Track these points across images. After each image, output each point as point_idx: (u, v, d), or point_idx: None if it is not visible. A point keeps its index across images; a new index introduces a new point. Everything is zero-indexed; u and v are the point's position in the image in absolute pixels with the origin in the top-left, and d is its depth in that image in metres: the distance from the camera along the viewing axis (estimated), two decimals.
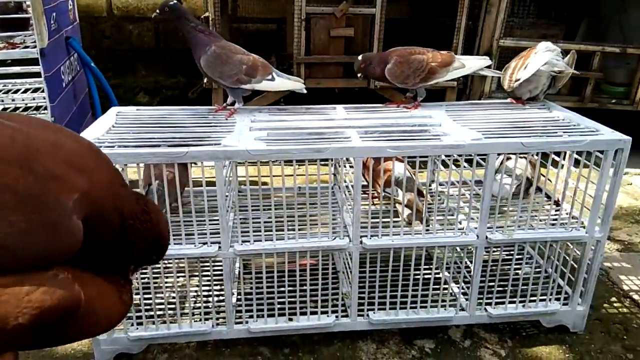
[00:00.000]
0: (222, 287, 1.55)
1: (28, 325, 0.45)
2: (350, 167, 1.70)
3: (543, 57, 1.79)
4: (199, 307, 1.61)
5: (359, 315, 1.62)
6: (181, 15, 1.62)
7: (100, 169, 0.55)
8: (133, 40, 4.03)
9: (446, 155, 1.87)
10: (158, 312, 1.57)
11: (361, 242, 1.52)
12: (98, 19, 3.88)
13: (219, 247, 1.48)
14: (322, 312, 1.61)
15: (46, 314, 0.45)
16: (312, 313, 1.61)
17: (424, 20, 4.04)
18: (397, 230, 1.54)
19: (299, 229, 1.52)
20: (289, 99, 3.16)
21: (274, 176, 1.60)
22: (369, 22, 3.08)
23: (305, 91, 1.85)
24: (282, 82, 1.78)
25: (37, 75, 2.07)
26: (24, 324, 0.45)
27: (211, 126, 1.60)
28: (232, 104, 1.77)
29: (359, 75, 1.80)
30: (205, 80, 3.06)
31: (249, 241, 1.50)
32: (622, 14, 3.86)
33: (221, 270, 1.57)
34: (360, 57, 1.77)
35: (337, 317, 1.61)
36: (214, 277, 1.70)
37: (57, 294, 0.46)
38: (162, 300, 1.57)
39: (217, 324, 1.59)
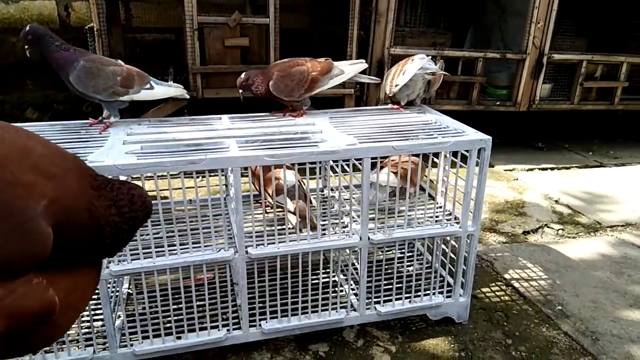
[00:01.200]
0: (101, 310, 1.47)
1: (3, 331, 0.43)
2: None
3: (418, 64, 1.89)
4: (78, 334, 1.51)
5: (251, 326, 1.61)
6: (43, 36, 1.52)
7: (70, 174, 0.53)
8: (18, 53, 3.76)
9: (334, 161, 1.92)
10: None
11: (247, 252, 1.51)
12: None
13: None
14: (213, 327, 1.57)
15: (19, 320, 0.44)
16: (202, 329, 1.57)
17: (323, 31, 4.14)
18: (284, 238, 1.55)
19: (183, 244, 1.48)
20: (192, 109, 3.10)
21: (151, 190, 1.55)
22: (265, 31, 3.09)
23: (187, 96, 1.86)
24: (162, 90, 1.75)
25: None
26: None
27: (81, 141, 1.52)
28: (108, 117, 1.69)
29: (240, 91, 1.80)
30: None
31: (125, 260, 1.44)
32: (503, 23, 4.19)
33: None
34: (243, 75, 1.77)
35: (228, 330, 1.59)
36: (94, 301, 1.61)
37: (30, 299, 0.44)
38: None
39: (104, 349, 1.51)
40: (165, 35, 3.93)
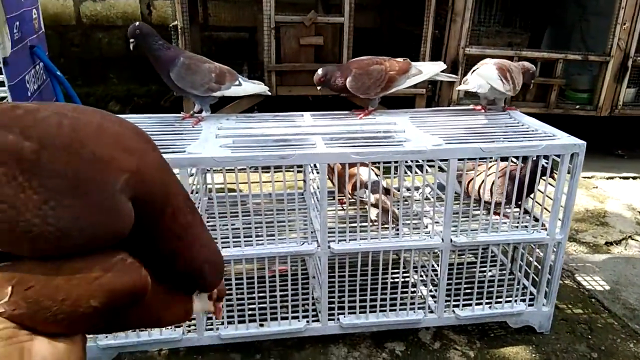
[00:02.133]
0: None
1: (99, 308, 0.47)
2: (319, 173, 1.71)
3: (477, 79, 1.86)
4: None
5: (329, 320, 1.63)
6: (148, 34, 1.61)
7: (148, 149, 0.55)
8: (103, 48, 3.99)
9: (413, 160, 1.91)
10: None
11: (329, 247, 1.53)
12: (67, 28, 3.83)
13: None
14: (293, 317, 1.61)
15: (116, 296, 0.47)
16: (283, 318, 1.61)
17: (393, 29, 4.11)
18: (365, 235, 1.56)
19: (269, 235, 1.53)
20: (263, 106, 3.18)
21: (243, 183, 1.60)
22: (338, 30, 3.12)
23: (269, 93, 1.91)
24: (249, 87, 1.82)
25: (0, 84, 2.03)
26: (96, 306, 0.46)
27: (177, 134, 1.60)
28: (200, 111, 1.77)
29: (318, 87, 1.82)
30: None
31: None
32: (584, 23, 4.00)
33: None
34: (320, 71, 1.79)
35: (307, 321, 1.62)
36: None
37: (125, 277, 0.47)
38: None
39: (189, 331, 1.58)
40: (240, 33, 4.04)
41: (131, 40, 1.58)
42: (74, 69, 3.70)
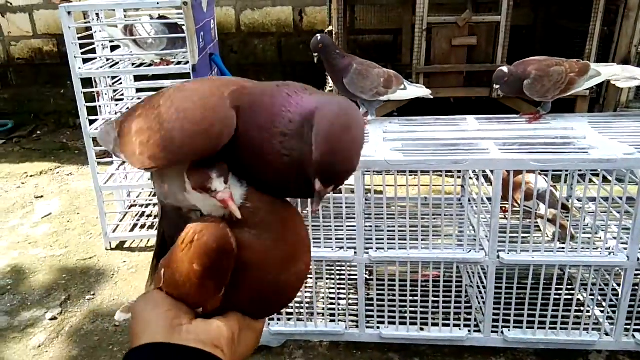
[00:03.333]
0: (352, 291, 1.60)
1: (202, 270, 0.51)
2: (488, 180, 1.67)
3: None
4: (333, 309, 1.68)
5: (492, 332, 1.59)
6: (328, 45, 1.69)
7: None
8: (258, 54, 4.29)
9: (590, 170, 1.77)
10: (295, 310, 1.66)
11: (498, 257, 1.49)
12: (228, 35, 4.18)
13: (355, 253, 1.53)
14: (455, 325, 1.59)
15: (206, 254, 0.50)
16: (444, 325, 1.60)
17: (549, 26, 3.84)
18: (538, 247, 1.49)
19: (426, 240, 1.53)
20: (402, 110, 3.18)
21: (401, 186, 1.62)
22: (493, 29, 2.99)
23: (431, 96, 1.90)
24: (413, 90, 1.84)
25: None
26: (198, 269, 0.51)
27: None
28: (365, 115, 1.82)
29: (496, 87, 1.76)
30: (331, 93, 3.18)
31: (382, 248, 1.54)
32: None
33: (352, 274, 1.63)
34: (505, 69, 1.72)
35: (469, 331, 1.59)
36: (342, 281, 1.76)
37: (207, 234, 0.51)
38: (300, 299, 1.65)
39: (350, 327, 1.65)
40: (384, 36, 4.08)
41: (315, 55, 1.67)
42: (233, 74, 4.04)
